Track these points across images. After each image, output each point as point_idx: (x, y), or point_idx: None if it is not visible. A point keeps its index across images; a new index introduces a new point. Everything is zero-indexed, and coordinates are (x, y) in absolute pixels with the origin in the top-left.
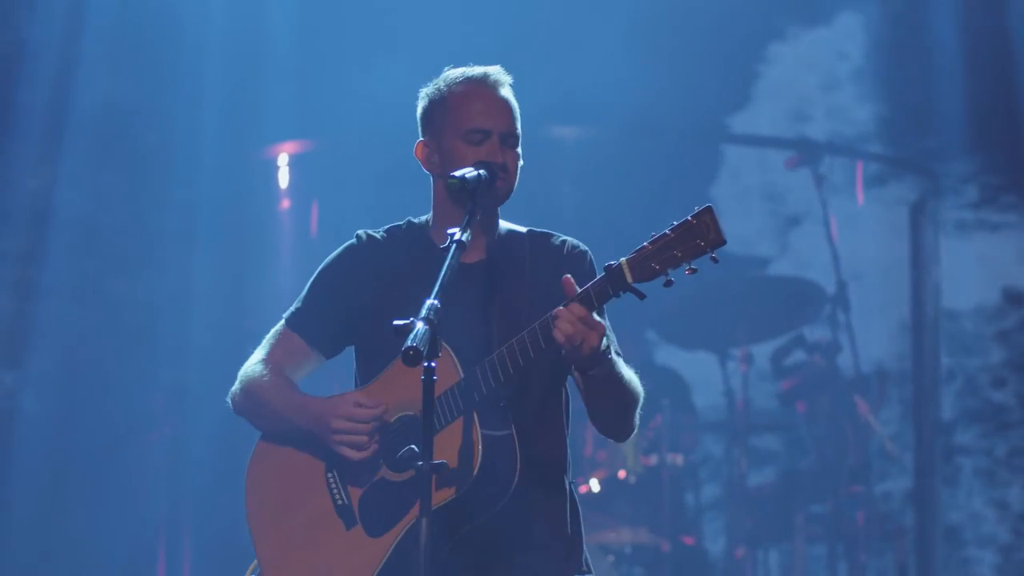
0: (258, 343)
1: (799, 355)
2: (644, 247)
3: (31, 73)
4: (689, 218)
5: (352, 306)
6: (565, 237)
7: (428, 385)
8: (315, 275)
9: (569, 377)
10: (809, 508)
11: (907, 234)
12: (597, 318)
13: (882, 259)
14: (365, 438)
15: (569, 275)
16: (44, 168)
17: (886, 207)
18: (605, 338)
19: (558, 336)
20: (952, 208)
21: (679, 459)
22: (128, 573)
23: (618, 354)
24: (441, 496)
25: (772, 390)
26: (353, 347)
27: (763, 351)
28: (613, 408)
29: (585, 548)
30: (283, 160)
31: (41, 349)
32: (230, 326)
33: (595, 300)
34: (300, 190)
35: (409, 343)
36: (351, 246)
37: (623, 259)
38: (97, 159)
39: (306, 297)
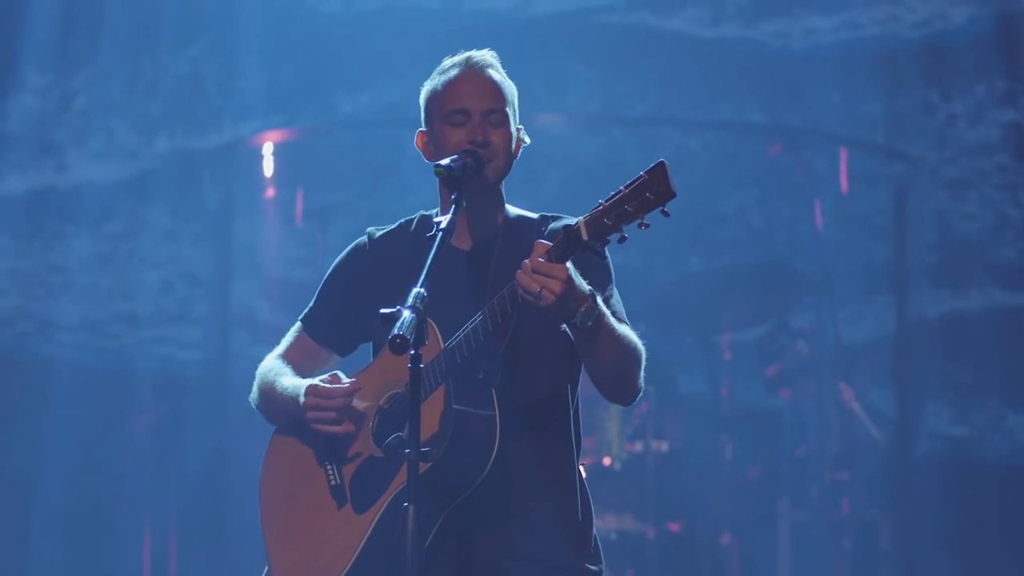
0: (243, 330)
1: (784, 342)
2: (599, 204)
3: None
4: (643, 173)
5: (363, 304)
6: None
7: (415, 372)
8: (327, 275)
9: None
10: (794, 495)
11: (891, 220)
12: (569, 267)
13: (866, 245)
14: (333, 413)
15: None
16: None
17: (870, 193)
18: (576, 285)
19: (519, 291)
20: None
21: (664, 446)
22: (114, 558)
23: (619, 318)
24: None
25: (757, 377)
26: (370, 344)
27: (748, 338)
28: (611, 364)
29: (596, 535)
30: (268, 149)
31: None
32: (216, 313)
33: (555, 260)
34: (285, 178)
35: (396, 331)
36: (360, 244)
37: (580, 218)
38: None
39: (317, 297)
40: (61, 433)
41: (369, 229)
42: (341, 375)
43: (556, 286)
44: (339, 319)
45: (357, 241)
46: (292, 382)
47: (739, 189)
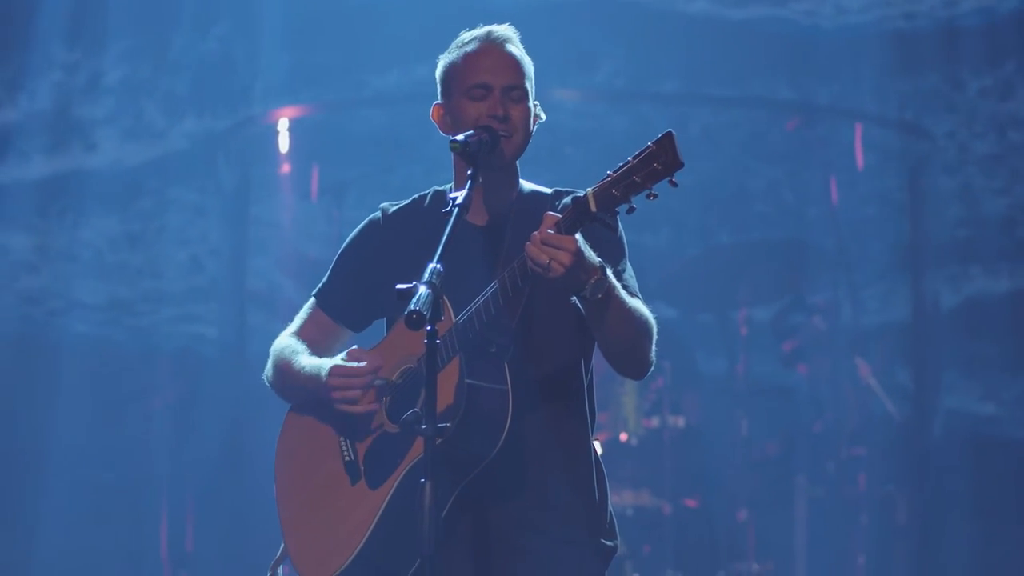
0: (260, 308)
1: (800, 317)
2: (607, 175)
3: None
4: (650, 144)
5: (377, 280)
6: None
7: (431, 348)
8: (340, 250)
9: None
10: (811, 470)
11: (907, 195)
12: (579, 238)
13: (886, 222)
14: (358, 392)
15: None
16: None
17: (886, 168)
18: (586, 256)
19: (528, 263)
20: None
21: (680, 421)
22: (131, 538)
23: (631, 292)
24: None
25: (773, 352)
26: (384, 319)
27: (764, 313)
28: (621, 337)
29: (611, 510)
30: (283, 125)
31: None
32: (232, 290)
33: (564, 231)
34: (300, 154)
35: (412, 307)
36: (373, 220)
37: (588, 189)
38: None
39: (331, 273)
40: (80, 410)
41: (383, 205)
42: (361, 350)
43: (565, 257)
44: (353, 294)
45: (371, 216)
46: (310, 361)
47: (759, 165)
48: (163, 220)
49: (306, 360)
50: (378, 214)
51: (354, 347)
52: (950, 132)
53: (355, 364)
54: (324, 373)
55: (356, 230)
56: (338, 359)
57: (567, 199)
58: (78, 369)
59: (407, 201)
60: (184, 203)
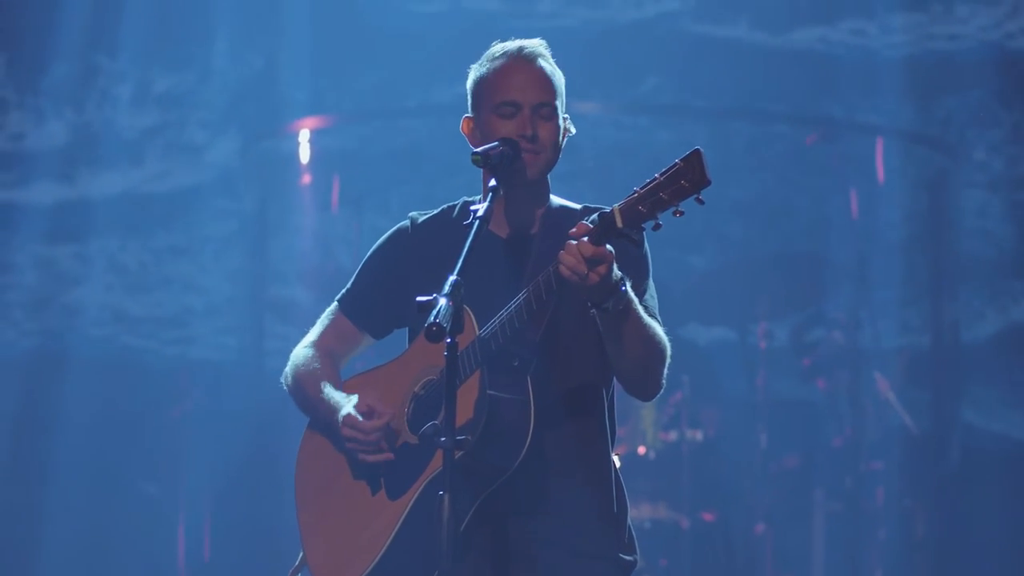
0: (281, 319)
1: (819, 332)
2: (634, 192)
3: None
4: (678, 161)
5: (401, 288)
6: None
7: (451, 360)
8: (366, 257)
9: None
10: (829, 484)
11: (927, 209)
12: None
13: (902, 235)
14: (370, 447)
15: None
16: None
17: (907, 183)
18: (616, 269)
19: (563, 271)
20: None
21: (698, 435)
22: (149, 547)
23: (650, 313)
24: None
25: (792, 367)
26: (406, 329)
27: (783, 328)
28: (634, 354)
29: (631, 525)
30: (304, 136)
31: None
32: (251, 301)
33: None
34: (321, 165)
35: (432, 319)
36: (401, 229)
37: (615, 205)
38: None
39: (356, 280)
40: (99, 419)
41: (412, 213)
42: (371, 404)
43: (603, 268)
44: (377, 301)
45: (399, 225)
46: (331, 396)
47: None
48: (190, 233)
49: (328, 391)
50: (407, 222)
51: (369, 404)
52: (992, 147)
53: (364, 421)
54: (339, 418)
55: (384, 237)
56: (351, 407)
57: (594, 216)
58: (97, 379)
59: (436, 211)
60: (208, 215)
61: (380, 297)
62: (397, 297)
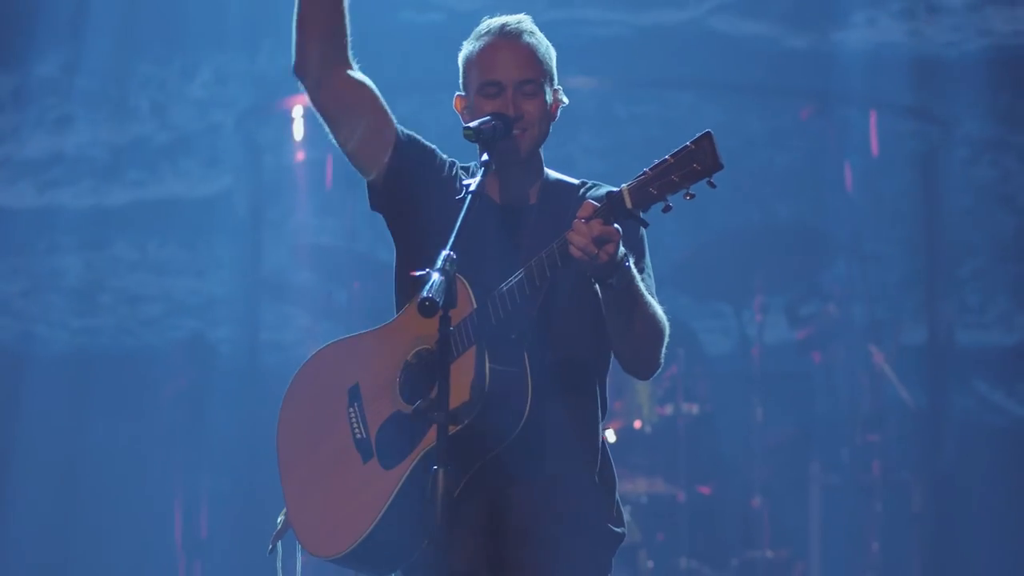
0: (275, 296)
1: (814, 305)
2: (645, 173)
3: None
4: (689, 143)
5: (419, 189)
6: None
7: (444, 335)
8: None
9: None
10: (825, 457)
11: (920, 183)
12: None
13: (896, 208)
14: None
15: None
16: None
17: (900, 156)
18: (622, 247)
19: (574, 251)
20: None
21: (694, 409)
22: (146, 526)
23: (649, 293)
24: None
25: (787, 340)
26: (395, 246)
27: (778, 301)
28: (635, 331)
29: (619, 500)
30: (298, 112)
31: None
32: (245, 279)
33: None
34: (315, 142)
35: (425, 293)
36: (446, 159)
37: (624, 185)
38: None
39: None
40: (93, 400)
41: (453, 159)
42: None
43: (612, 248)
44: (412, 155)
45: (446, 156)
46: None
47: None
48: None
49: None
50: (451, 160)
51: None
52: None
53: None
54: None
55: (436, 148)
56: None
57: (595, 192)
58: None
59: (460, 165)
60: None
61: (417, 155)
62: (400, 176)
